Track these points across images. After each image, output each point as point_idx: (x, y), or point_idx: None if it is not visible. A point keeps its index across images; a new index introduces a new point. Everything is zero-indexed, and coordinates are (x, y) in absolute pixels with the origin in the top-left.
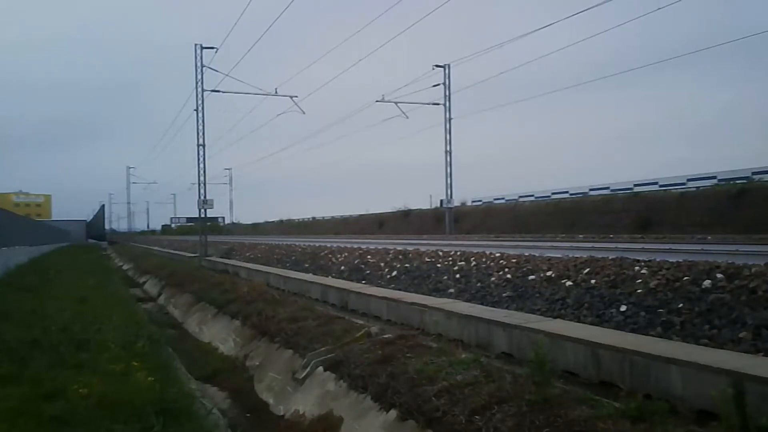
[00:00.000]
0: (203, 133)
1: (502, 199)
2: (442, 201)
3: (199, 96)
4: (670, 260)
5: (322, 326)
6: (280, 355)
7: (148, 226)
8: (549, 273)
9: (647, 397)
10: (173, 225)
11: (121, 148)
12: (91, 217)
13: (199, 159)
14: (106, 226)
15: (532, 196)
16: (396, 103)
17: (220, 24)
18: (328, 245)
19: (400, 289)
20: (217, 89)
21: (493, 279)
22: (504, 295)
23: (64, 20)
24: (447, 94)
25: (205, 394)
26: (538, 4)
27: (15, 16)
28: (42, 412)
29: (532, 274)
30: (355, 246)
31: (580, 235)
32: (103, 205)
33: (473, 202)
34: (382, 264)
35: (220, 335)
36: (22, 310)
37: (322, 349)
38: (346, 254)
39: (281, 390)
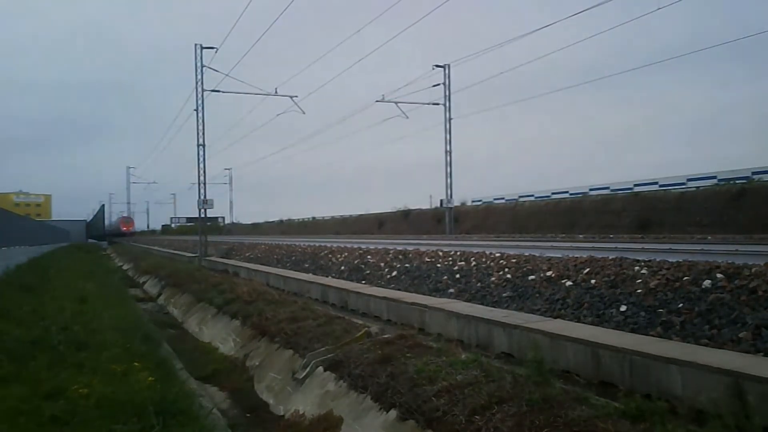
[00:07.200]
0: (203, 133)
1: (502, 198)
2: (441, 201)
3: (199, 96)
4: (670, 260)
5: (322, 326)
6: (280, 355)
7: (148, 226)
8: (549, 273)
9: (647, 397)
10: (173, 225)
11: (121, 148)
12: (91, 217)
13: (199, 159)
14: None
15: (532, 196)
16: (396, 103)
17: (220, 24)
18: (328, 245)
19: (400, 289)
20: (217, 89)
21: (493, 279)
22: (504, 295)
23: (65, 20)
24: (447, 94)
25: (205, 394)
26: (537, 4)
27: (16, 16)
28: (42, 412)
29: (532, 274)
30: (355, 246)
31: (580, 235)
32: (103, 205)
33: (473, 202)
34: (382, 264)
35: (220, 335)
36: (22, 310)
37: (322, 349)
38: (346, 254)
39: (281, 390)
